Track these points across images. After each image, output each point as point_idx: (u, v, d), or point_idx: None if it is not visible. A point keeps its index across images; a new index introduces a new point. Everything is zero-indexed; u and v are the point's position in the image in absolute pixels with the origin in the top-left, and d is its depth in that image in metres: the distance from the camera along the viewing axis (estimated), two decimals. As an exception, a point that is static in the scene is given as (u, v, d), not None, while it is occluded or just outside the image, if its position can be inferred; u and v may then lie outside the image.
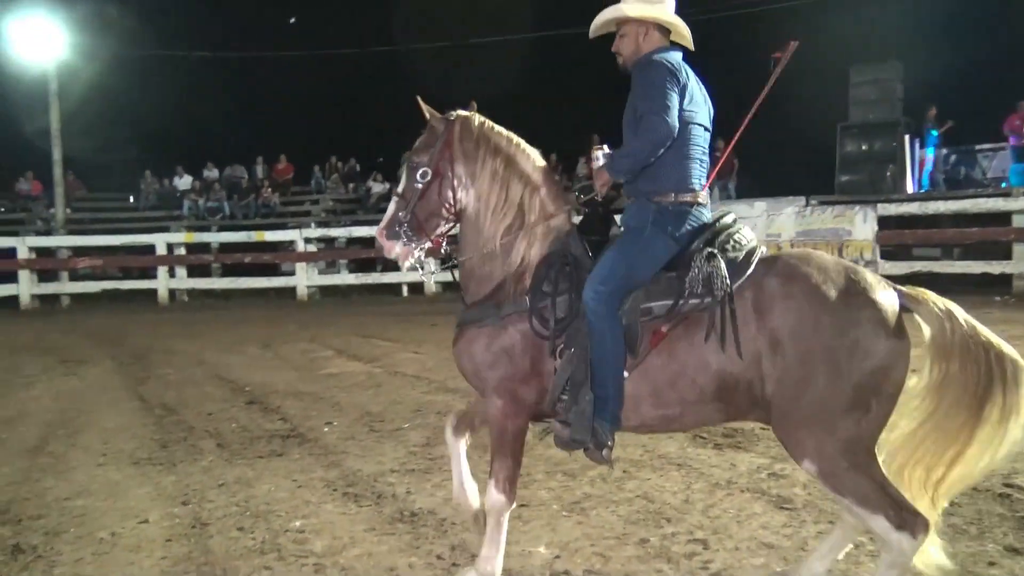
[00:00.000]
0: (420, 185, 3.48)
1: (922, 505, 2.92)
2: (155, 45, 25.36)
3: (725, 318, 2.99)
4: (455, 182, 3.47)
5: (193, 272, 20.17)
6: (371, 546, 3.90)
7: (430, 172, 3.48)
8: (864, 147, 17.57)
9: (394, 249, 3.51)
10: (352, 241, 20.65)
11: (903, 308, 2.92)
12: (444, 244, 3.60)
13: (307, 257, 19.46)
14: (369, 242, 18.61)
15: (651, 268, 3.20)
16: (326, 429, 6.29)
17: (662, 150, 3.20)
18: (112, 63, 24.37)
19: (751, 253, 3.14)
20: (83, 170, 24.84)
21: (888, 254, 16.08)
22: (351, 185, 24.12)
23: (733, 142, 4.03)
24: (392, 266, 19.66)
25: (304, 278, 19.38)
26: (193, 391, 8.06)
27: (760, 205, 17.04)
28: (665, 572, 3.54)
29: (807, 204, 16.66)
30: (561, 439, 3.26)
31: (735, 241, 3.18)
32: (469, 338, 3.38)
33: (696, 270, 3.08)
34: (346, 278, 20.14)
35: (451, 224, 3.56)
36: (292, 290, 19.41)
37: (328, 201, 24.02)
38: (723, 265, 3.06)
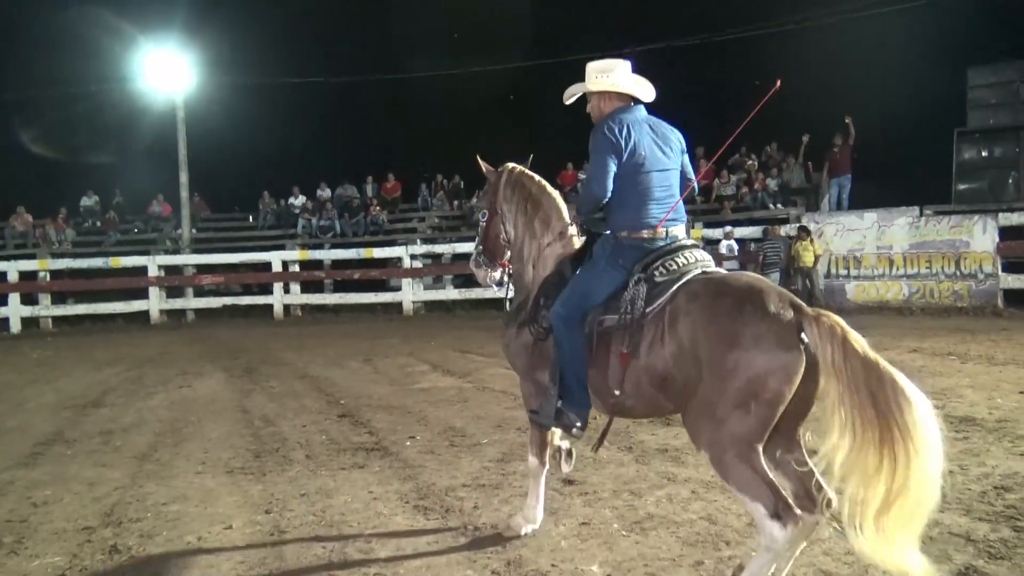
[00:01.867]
0: (483, 223, 4.59)
1: (886, 545, 2.92)
2: (271, 73, 26.83)
3: (636, 332, 3.57)
4: (503, 219, 4.46)
5: (307, 288, 21.11)
6: (431, 558, 4.05)
7: (487, 212, 4.55)
8: (984, 153, 16.70)
9: (477, 273, 4.66)
10: (457, 257, 21.09)
11: (800, 328, 3.15)
12: (510, 267, 4.55)
13: (413, 273, 20.06)
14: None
15: (603, 293, 3.81)
16: (408, 443, 6.52)
17: (603, 201, 3.86)
18: (232, 92, 25.95)
19: (682, 275, 3.61)
20: (207, 192, 26.44)
21: (1011, 266, 15.21)
22: (456, 202, 24.64)
23: (714, 159, 4.50)
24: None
25: (410, 293, 20.01)
26: (292, 403, 8.50)
27: (870, 216, 16.43)
28: (715, 595, 3.54)
29: (921, 214, 15.95)
30: (534, 421, 4.15)
31: (665, 267, 3.68)
32: (507, 335, 4.34)
33: (628, 293, 3.69)
34: (450, 293, 20.63)
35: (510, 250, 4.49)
36: (399, 305, 20.05)
37: (434, 218, 24.60)
38: (644, 290, 3.64)
